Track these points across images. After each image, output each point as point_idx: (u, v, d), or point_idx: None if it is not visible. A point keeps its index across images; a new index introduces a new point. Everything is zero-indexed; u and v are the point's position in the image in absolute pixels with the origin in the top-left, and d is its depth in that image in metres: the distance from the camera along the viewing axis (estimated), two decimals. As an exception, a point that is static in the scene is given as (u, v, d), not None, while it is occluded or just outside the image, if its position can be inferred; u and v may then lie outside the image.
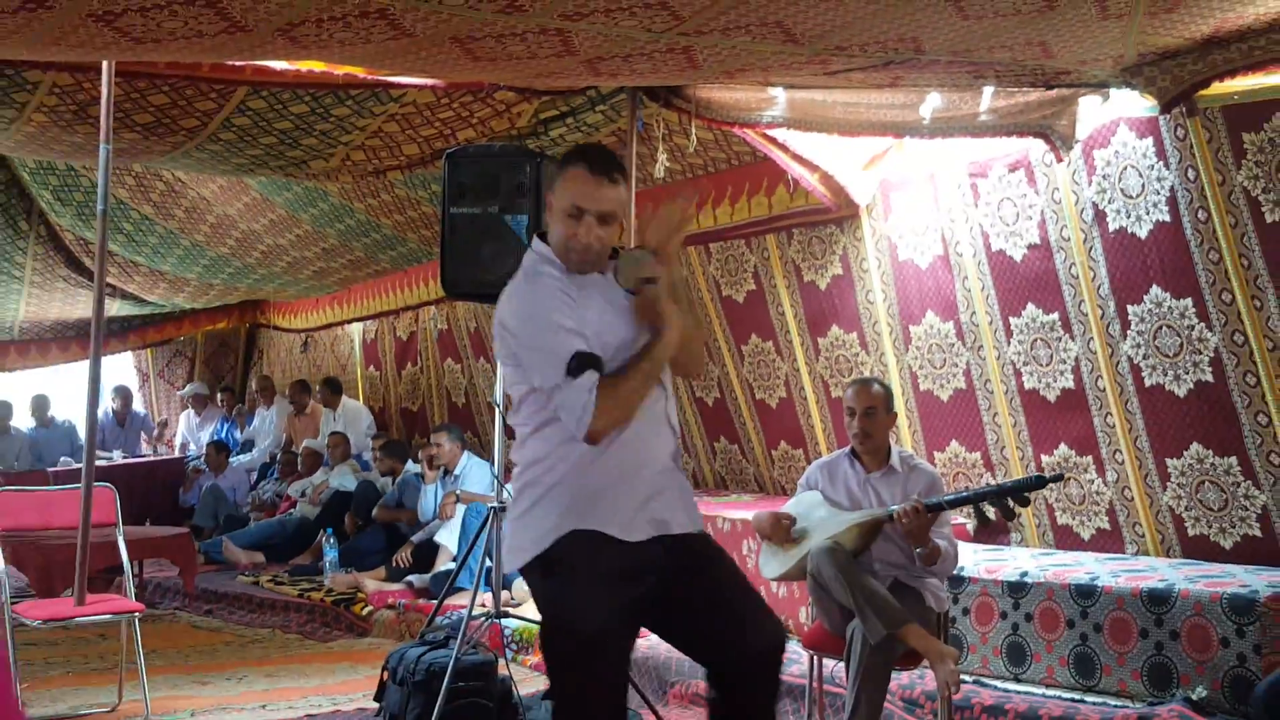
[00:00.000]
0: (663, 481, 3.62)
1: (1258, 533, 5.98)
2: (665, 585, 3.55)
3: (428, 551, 9.21)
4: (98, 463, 7.71)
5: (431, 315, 11.91)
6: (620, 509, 3.52)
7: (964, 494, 5.26)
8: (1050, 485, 5.00)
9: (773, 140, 6.35)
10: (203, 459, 13.78)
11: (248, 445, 14.04)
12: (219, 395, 15.38)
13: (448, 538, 8.95)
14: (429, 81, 5.87)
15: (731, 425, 9.04)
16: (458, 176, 5.71)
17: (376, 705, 5.89)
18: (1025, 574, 6.02)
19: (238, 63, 5.47)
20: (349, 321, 13.48)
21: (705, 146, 6.62)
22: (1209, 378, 5.96)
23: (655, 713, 5.84)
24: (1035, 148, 6.24)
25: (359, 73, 5.63)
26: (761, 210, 7.54)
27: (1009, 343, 6.77)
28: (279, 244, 10.19)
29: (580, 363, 3.46)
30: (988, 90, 5.91)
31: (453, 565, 7.97)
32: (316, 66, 5.56)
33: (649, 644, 6.89)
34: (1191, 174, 5.70)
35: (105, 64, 5.67)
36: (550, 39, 4.77)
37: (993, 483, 6.58)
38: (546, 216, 3.87)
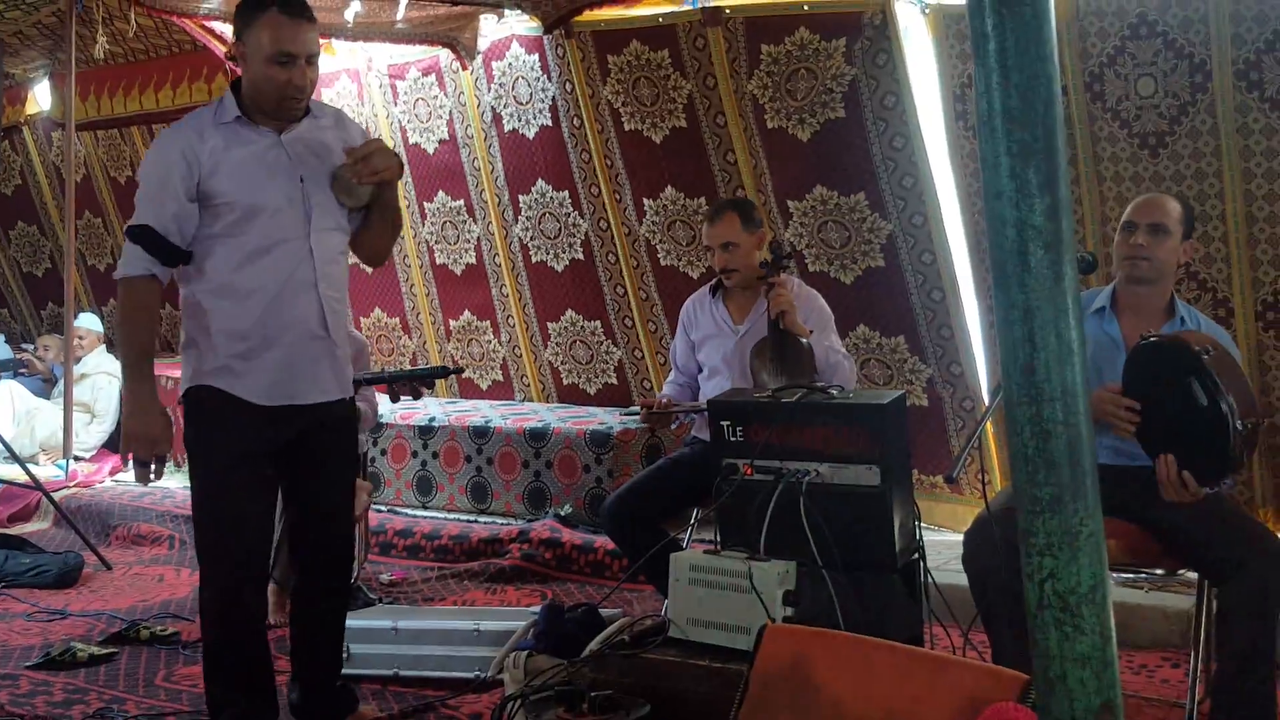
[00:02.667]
0: (312, 349, 3.12)
1: (615, 381, 6.35)
2: (292, 451, 3.16)
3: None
4: None
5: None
6: (256, 370, 3.06)
7: (382, 374, 4.93)
8: (451, 373, 4.92)
9: (210, 31, 5.98)
10: None
11: None
12: None
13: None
14: None
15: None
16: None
17: None
18: (433, 419, 6.13)
19: None
20: None
21: (145, 33, 6.16)
22: (581, 256, 6.22)
23: (95, 551, 5.57)
24: (444, 55, 6.20)
25: None
26: (202, 96, 7.06)
27: (424, 224, 6.76)
28: None
29: (142, 239, 3.02)
30: (403, 2, 5.83)
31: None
32: None
33: (92, 492, 6.58)
34: (569, 87, 5.85)
35: None
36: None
37: (407, 358, 6.68)
38: (240, 66, 3.20)
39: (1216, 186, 4.35)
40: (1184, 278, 4.44)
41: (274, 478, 3.23)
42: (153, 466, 3.10)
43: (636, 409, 4.36)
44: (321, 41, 5.92)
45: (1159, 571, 4.12)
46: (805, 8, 5.04)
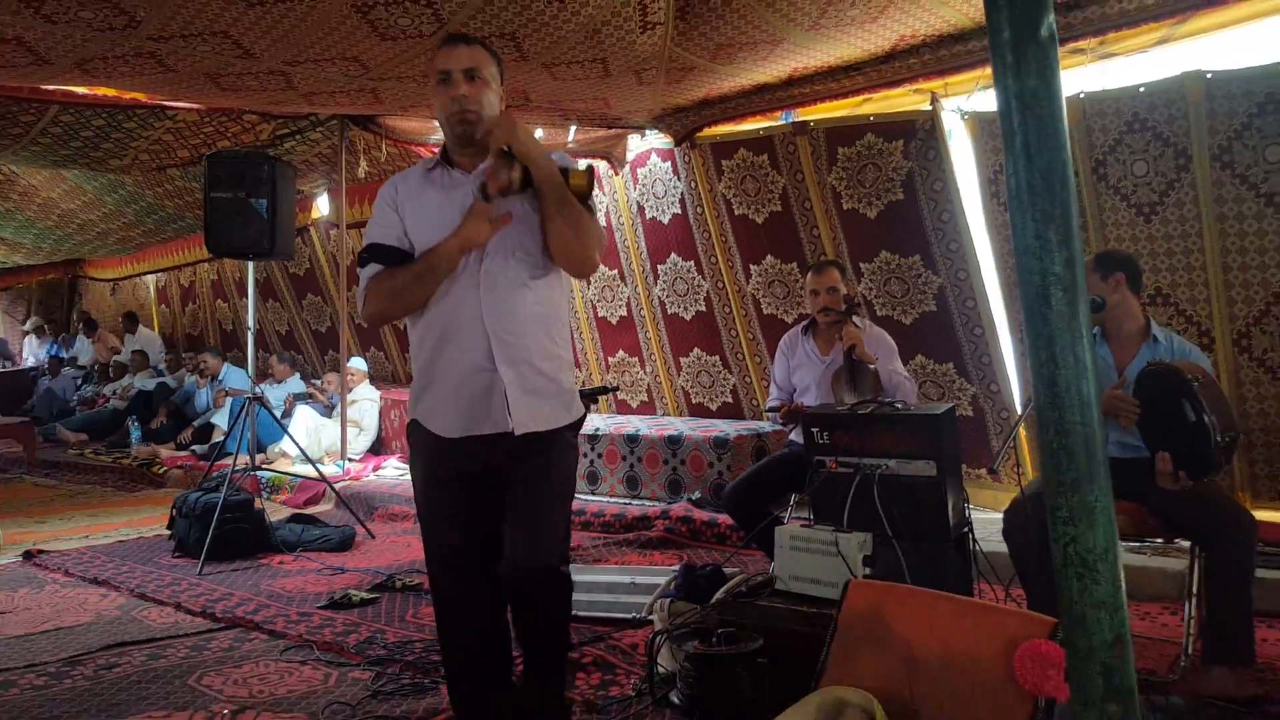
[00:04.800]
0: (478, 382, 2.44)
1: (730, 400, 6.33)
2: (486, 478, 2.48)
3: (205, 431, 8.63)
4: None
5: (205, 269, 11.12)
6: (438, 405, 2.48)
7: None
8: (610, 391, 5.02)
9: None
10: (43, 369, 12.69)
11: (71, 361, 12.85)
12: (48, 327, 14.34)
13: (220, 420, 8.44)
14: (193, 105, 5.40)
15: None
16: (215, 172, 5.29)
17: (169, 532, 5.50)
18: (598, 429, 6.15)
19: (49, 86, 4.89)
20: (145, 274, 12.40)
21: (393, 158, 6.37)
22: (704, 308, 6.21)
23: (364, 525, 5.72)
24: (603, 165, 6.28)
25: (141, 97, 5.12)
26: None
27: (589, 288, 6.85)
28: (90, 219, 9.25)
29: (371, 254, 2.53)
30: (573, 128, 5.94)
31: (222, 439, 7.55)
32: (109, 92, 5.02)
33: (360, 484, 6.78)
34: (693, 184, 5.88)
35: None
36: (276, 78, 4.48)
37: (580, 376, 6.73)
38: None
39: (1199, 244, 4.17)
40: (1175, 314, 4.29)
41: (476, 502, 2.52)
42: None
43: (776, 408, 4.29)
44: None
45: (1159, 540, 3.95)
46: (870, 119, 4.99)
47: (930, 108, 4.74)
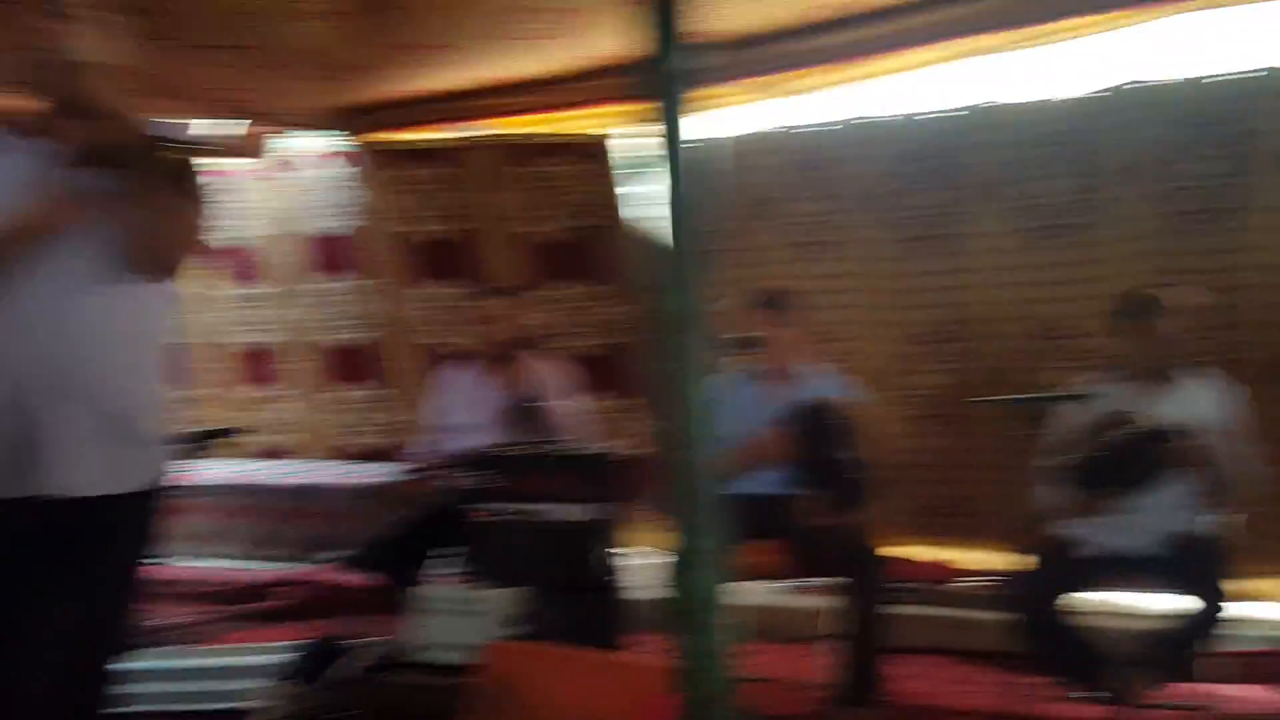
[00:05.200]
0: (6, 424, 1.83)
1: (381, 442, 5.74)
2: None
3: None
4: None
5: None
6: None
7: None
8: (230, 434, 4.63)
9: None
10: None
11: None
12: None
13: None
14: None
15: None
16: None
17: None
18: (211, 479, 5.45)
19: None
20: None
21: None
22: (354, 336, 5.70)
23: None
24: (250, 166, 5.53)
25: None
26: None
27: (215, 307, 6.04)
28: None
29: None
30: (221, 121, 5.26)
31: None
32: None
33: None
34: (352, 195, 5.40)
35: None
36: None
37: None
38: None
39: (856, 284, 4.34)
40: (836, 353, 4.46)
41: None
42: None
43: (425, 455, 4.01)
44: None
45: (802, 580, 3.91)
46: (546, 140, 4.87)
47: (605, 133, 4.69)
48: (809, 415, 3.30)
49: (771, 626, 4.14)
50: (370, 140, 5.19)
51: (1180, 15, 3.51)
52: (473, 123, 4.94)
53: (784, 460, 3.33)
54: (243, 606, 4.67)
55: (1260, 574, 3.85)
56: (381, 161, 5.21)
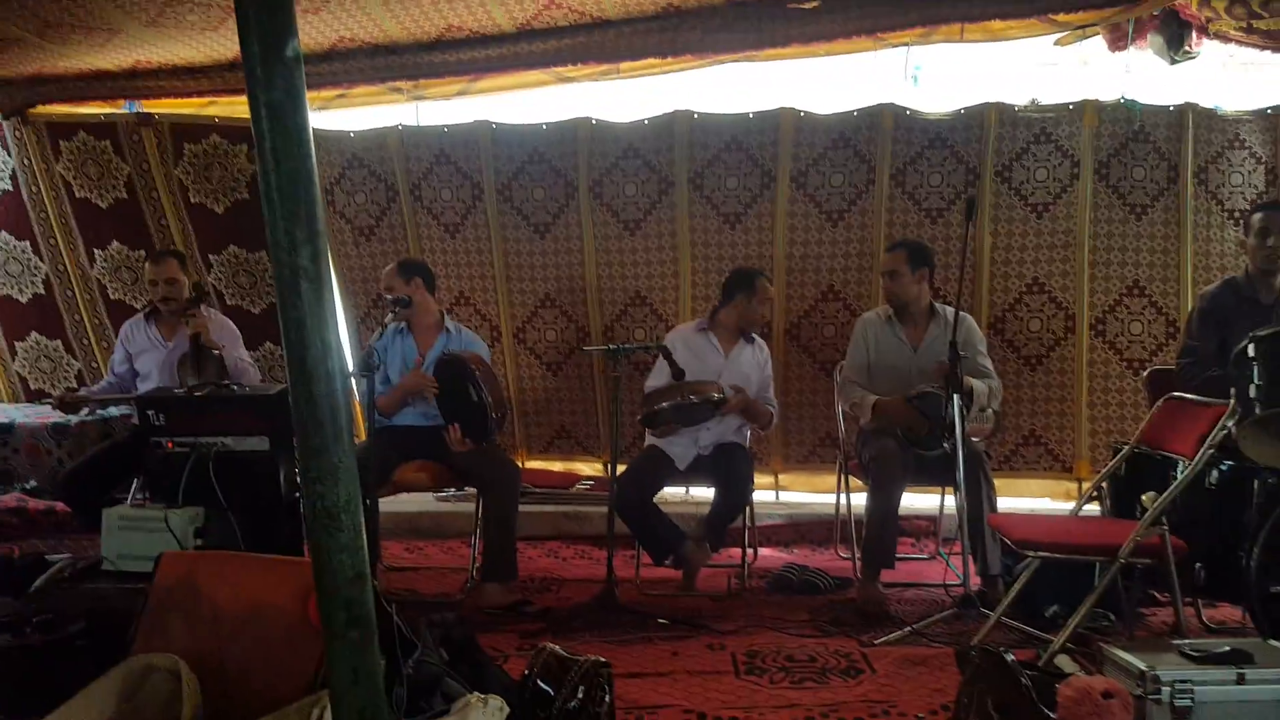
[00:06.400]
0: None
1: (74, 385, 5.52)
2: None
3: None
4: None
5: None
6: None
7: None
8: None
9: None
10: None
11: None
12: None
13: None
14: None
15: None
16: None
17: None
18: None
19: None
20: None
21: None
22: (43, 290, 5.40)
23: None
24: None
25: None
26: None
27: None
28: None
29: None
30: None
31: None
32: None
33: None
34: (25, 162, 5.09)
35: None
36: None
37: None
38: None
39: (579, 259, 4.73)
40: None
41: None
42: None
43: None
44: None
45: (454, 490, 4.27)
46: (216, 120, 4.83)
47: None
48: (450, 362, 3.56)
49: (430, 527, 4.49)
50: (34, 111, 4.93)
51: (714, 67, 4.20)
52: (144, 100, 4.83)
53: (431, 397, 3.61)
54: None
55: (774, 471, 4.76)
56: (52, 132, 4.98)
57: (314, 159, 1.27)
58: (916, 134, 4.30)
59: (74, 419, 4.95)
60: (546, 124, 4.52)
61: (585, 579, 3.79)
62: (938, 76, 4.80)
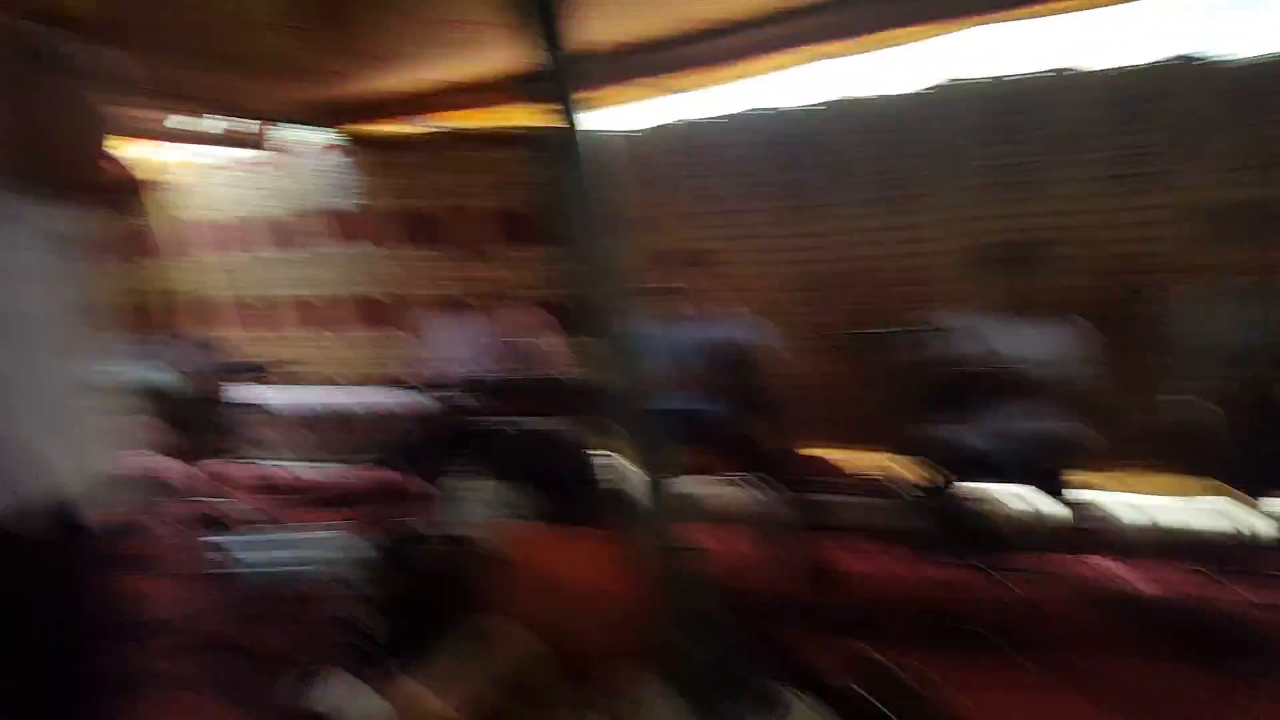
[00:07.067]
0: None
1: (398, 370, 5.77)
2: None
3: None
4: None
5: None
6: None
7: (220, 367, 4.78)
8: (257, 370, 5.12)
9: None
10: None
11: None
12: None
13: None
14: None
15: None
16: None
17: None
18: (267, 399, 5.92)
19: None
20: None
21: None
22: (369, 291, 6.06)
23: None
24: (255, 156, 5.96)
25: None
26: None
27: (237, 270, 6.56)
28: None
29: None
30: (224, 118, 5.59)
31: None
32: None
33: None
34: (354, 178, 5.81)
35: None
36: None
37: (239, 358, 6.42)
38: None
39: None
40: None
41: None
42: None
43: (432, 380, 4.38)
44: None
45: (736, 474, 4.04)
46: (498, 129, 5.15)
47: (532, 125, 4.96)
48: (724, 349, 3.60)
49: (709, 513, 4.25)
50: (353, 132, 5.62)
51: (986, 25, 3.96)
52: (430, 116, 5.34)
53: (708, 385, 3.59)
54: (306, 497, 5.24)
55: (1097, 470, 4.19)
56: (369, 149, 5.65)
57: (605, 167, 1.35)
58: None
59: (406, 403, 5.66)
60: (796, 108, 4.53)
61: (887, 578, 3.60)
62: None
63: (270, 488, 5.47)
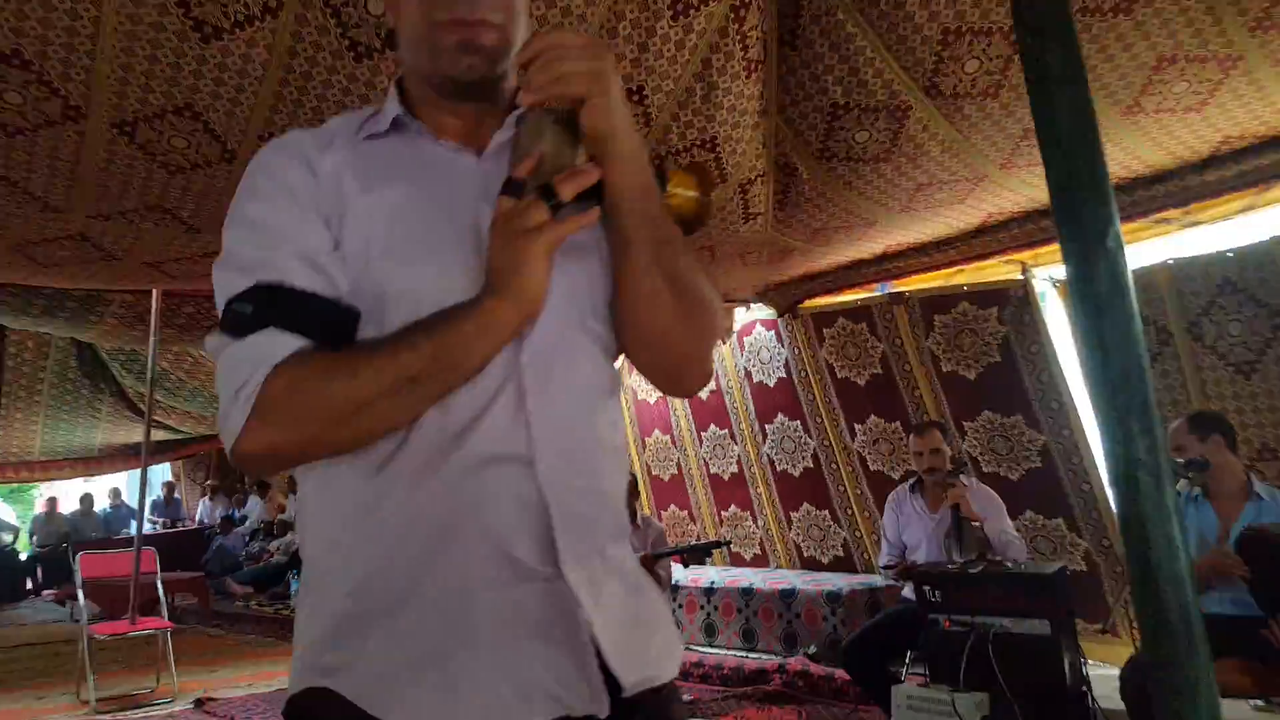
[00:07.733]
0: (530, 602, 0.95)
1: (841, 553, 6.16)
2: None
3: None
4: (145, 529, 7.21)
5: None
6: (420, 664, 0.93)
7: (676, 548, 4.54)
8: (723, 545, 5.07)
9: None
10: (216, 527, 13.14)
11: (241, 520, 13.41)
12: (221, 489, 14.98)
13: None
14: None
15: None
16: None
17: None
18: (713, 582, 6.09)
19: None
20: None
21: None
22: (811, 465, 6.15)
23: None
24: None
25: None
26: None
27: (702, 445, 6.88)
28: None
29: (258, 307, 0.92)
30: None
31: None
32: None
33: None
34: (796, 351, 5.94)
35: (154, 290, 5.35)
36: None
37: (693, 536, 6.69)
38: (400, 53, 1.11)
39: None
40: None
41: None
42: None
43: (891, 565, 4.18)
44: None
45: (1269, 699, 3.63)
46: (964, 288, 5.01)
47: (1022, 277, 4.75)
48: (1259, 538, 3.02)
49: None
50: (803, 306, 5.73)
51: None
52: (897, 280, 5.24)
53: (1237, 580, 3.07)
54: (746, 688, 5.08)
55: None
56: (817, 321, 5.72)
57: (1144, 346, 1.20)
58: None
59: (845, 587, 5.45)
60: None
61: None
62: None
63: (700, 675, 5.41)
